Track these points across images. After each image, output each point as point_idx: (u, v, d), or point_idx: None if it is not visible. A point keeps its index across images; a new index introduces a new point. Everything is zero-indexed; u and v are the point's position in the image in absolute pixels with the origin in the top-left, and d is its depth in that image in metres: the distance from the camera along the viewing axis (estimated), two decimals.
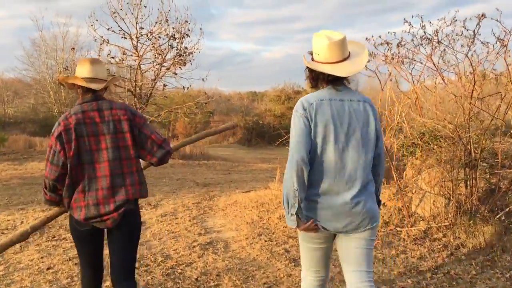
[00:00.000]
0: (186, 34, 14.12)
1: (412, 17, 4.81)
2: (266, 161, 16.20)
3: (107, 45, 13.79)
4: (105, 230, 2.43)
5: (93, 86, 2.33)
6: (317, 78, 2.19)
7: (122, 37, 14.10)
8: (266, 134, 26.13)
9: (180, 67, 14.28)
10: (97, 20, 13.57)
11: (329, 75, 2.12)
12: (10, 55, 62.16)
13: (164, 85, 13.70)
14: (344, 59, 2.13)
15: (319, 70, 2.14)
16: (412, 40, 4.88)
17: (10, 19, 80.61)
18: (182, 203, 6.70)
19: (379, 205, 2.28)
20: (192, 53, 14.27)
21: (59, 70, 23.91)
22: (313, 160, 2.08)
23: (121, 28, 13.86)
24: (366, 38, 4.94)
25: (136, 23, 13.98)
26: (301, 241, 2.30)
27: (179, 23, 14.00)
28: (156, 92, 14.55)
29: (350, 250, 2.19)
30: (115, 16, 13.66)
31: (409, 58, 5.02)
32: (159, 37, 13.46)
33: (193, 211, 6.16)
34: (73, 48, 12.76)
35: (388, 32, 4.90)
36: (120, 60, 13.91)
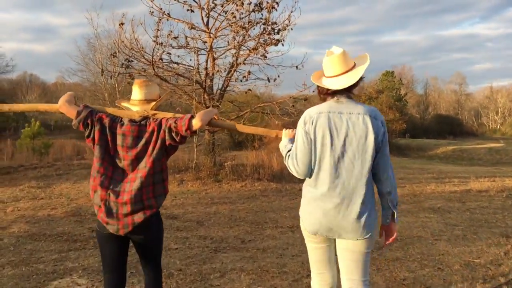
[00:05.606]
0: (276, 3, 9.91)
1: None
2: None
3: (167, 20, 9.90)
4: None
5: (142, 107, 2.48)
6: (322, 92, 2.31)
7: (188, 10, 10.12)
8: None
9: (265, 50, 10.04)
10: None
11: (328, 89, 2.24)
12: (71, 61, 61.93)
13: (249, 73, 9.48)
14: (346, 72, 2.22)
15: (317, 84, 2.30)
16: None
17: (70, 27, 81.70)
18: None
19: (394, 218, 2.30)
20: (284, 30, 10.03)
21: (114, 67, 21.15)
22: (314, 167, 2.23)
23: None
24: None
25: None
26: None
27: None
28: (235, 85, 10.41)
29: (343, 256, 2.29)
30: None
31: None
32: (242, 3, 9.30)
33: None
34: (122, 24, 8.90)
35: None
36: (185, 41, 9.93)
